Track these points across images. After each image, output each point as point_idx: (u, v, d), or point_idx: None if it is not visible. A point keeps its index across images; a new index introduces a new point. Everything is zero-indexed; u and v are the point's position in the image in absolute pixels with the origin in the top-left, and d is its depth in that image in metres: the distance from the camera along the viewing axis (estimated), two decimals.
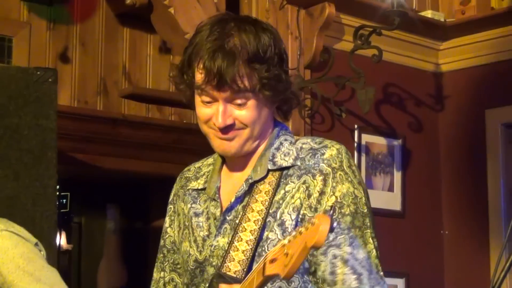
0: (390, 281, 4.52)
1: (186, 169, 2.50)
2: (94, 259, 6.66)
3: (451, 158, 4.90)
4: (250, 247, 2.21)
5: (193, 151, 2.53)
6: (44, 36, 5.03)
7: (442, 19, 4.81)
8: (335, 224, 1.92)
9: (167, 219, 2.49)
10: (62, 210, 6.03)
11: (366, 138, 4.58)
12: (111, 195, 6.28)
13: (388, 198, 4.65)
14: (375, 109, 4.60)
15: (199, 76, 2.18)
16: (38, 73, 3.80)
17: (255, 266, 2.16)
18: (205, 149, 2.45)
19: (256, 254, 2.20)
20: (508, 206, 4.59)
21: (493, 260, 4.52)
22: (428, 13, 4.79)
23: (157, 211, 5.27)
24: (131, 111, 5.24)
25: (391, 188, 4.67)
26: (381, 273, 2.24)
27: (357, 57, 4.35)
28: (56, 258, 3.53)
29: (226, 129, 2.19)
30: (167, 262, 2.49)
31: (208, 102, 2.20)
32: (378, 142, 4.63)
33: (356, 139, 4.53)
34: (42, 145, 3.71)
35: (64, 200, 6.16)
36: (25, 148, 3.64)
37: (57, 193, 4.17)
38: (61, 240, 6.25)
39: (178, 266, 2.43)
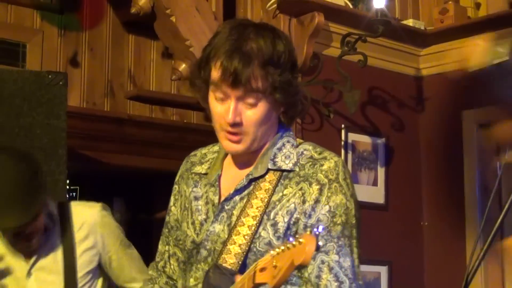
0: (374, 268, 4.55)
1: (192, 153, 2.52)
2: None
3: (430, 155, 4.91)
4: (246, 241, 2.22)
5: (193, 149, 2.52)
6: (55, 42, 5.04)
7: (423, 27, 4.82)
8: (320, 243, 1.95)
9: (172, 198, 2.52)
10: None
11: (352, 136, 4.58)
12: (117, 189, 6.28)
13: (372, 192, 4.65)
14: (361, 110, 4.60)
15: (215, 73, 2.20)
16: (50, 76, 3.81)
17: (248, 262, 2.20)
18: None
19: (249, 250, 2.21)
20: (482, 200, 4.59)
21: (468, 249, 4.53)
22: (410, 22, 4.79)
23: (159, 203, 5.28)
24: (135, 112, 5.25)
25: (375, 183, 4.67)
26: (361, 282, 2.26)
27: (344, 62, 4.35)
28: None
29: (234, 126, 2.20)
30: (171, 237, 2.50)
31: (222, 99, 2.22)
32: (363, 140, 4.63)
33: (343, 138, 4.53)
34: (53, 143, 3.73)
35: (74, 194, 6.14)
36: (38, 146, 3.66)
37: (67, 187, 4.19)
38: None
39: (180, 242, 2.44)
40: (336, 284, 2.18)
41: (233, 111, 2.19)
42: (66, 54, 5.05)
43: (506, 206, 2.32)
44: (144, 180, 5.93)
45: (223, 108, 2.21)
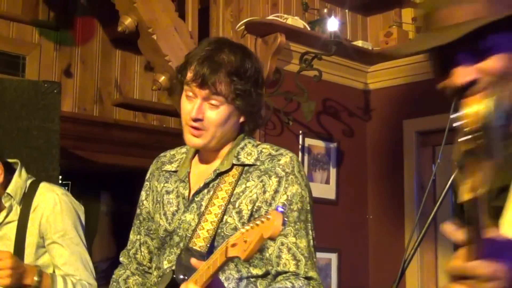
0: (325, 255, 4.56)
1: (162, 154, 2.55)
2: (90, 235, 6.61)
3: (375, 158, 4.93)
4: (213, 227, 2.24)
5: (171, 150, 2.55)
6: (51, 55, 5.02)
7: (370, 48, 4.83)
8: (285, 219, 1.96)
9: (143, 193, 2.53)
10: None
11: (308, 141, 4.58)
12: (104, 184, 6.25)
13: (325, 189, 4.65)
14: (316, 119, 4.61)
15: (189, 75, 2.26)
16: (46, 85, 3.80)
17: (216, 244, 2.22)
18: None
19: (217, 233, 2.23)
20: (419, 197, 4.62)
21: (406, 239, 4.56)
22: (359, 43, 4.80)
23: None
24: (121, 117, 5.24)
25: (327, 181, 4.68)
26: (315, 259, 2.29)
27: (302, 77, 4.36)
28: None
29: (196, 122, 2.24)
30: (142, 228, 2.50)
31: (190, 98, 2.26)
32: (317, 145, 4.64)
33: (300, 142, 4.53)
34: (48, 143, 3.71)
35: (66, 188, 6.11)
36: (34, 146, 3.64)
37: (59, 182, 4.16)
38: None
39: (151, 232, 2.45)
40: (293, 262, 2.22)
41: (197, 108, 2.24)
42: (60, 65, 5.03)
43: (438, 202, 2.34)
44: (128, 176, 5.89)
45: (190, 105, 2.26)
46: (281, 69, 4.40)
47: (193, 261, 2.01)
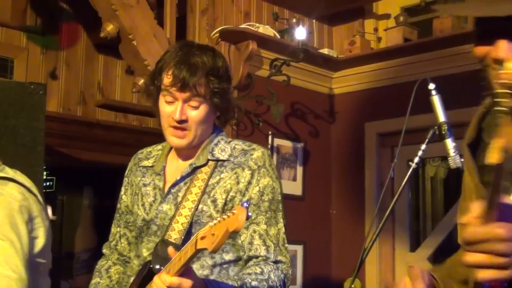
0: (292, 247, 4.56)
1: (139, 151, 2.55)
2: (73, 227, 6.58)
3: (339, 157, 4.95)
4: (188, 220, 2.25)
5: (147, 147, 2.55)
6: (38, 59, 4.98)
7: (335, 55, 4.85)
8: (250, 214, 1.97)
9: (122, 188, 2.54)
10: (48, 190, 5.96)
11: (277, 141, 4.59)
12: (87, 179, 6.22)
13: (292, 186, 4.67)
14: (284, 120, 4.62)
15: (167, 80, 2.24)
16: (32, 86, 3.76)
17: (193, 231, 2.23)
18: None
19: (193, 222, 2.25)
20: (378, 193, 4.65)
21: (366, 232, 4.58)
22: (325, 51, 4.83)
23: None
24: (103, 117, 5.21)
25: (294, 179, 4.69)
26: (286, 245, 2.31)
27: (272, 82, 4.37)
28: None
29: (180, 123, 2.23)
30: (122, 221, 2.50)
31: (171, 102, 2.25)
32: (286, 145, 4.65)
33: (270, 142, 4.54)
34: (33, 141, 3.67)
35: (51, 183, 6.08)
36: (20, 143, 3.60)
37: (44, 177, 4.14)
38: (48, 212, 6.17)
39: (130, 224, 2.45)
40: (264, 247, 2.24)
41: (180, 110, 2.23)
42: (47, 68, 4.98)
43: (395, 198, 2.36)
44: (109, 172, 5.85)
45: (171, 108, 2.25)
46: (252, 74, 4.41)
47: (170, 249, 2.01)
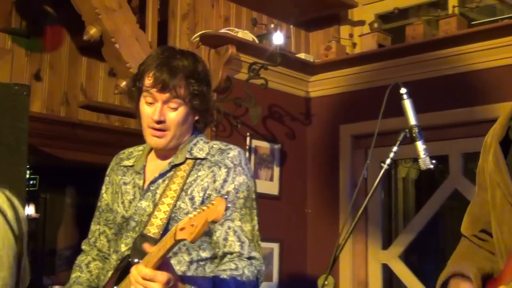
0: (269, 244, 4.57)
1: (121, 152, 2.56)
2: (55, 225, 6.56)
3: (315, 158, 4.96)
4: (166, 216, 2.25)
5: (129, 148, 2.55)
6: (23, 61, 4.95)
7: (312, 60, 4.86)
8: (229, 205, 1.97)
9: (103, 187, 2.54)
10: (32, 189, 5.93)
11: (255, 142, 4.59)
12: (70, 178, 6.19)
13: (269, 186, 4.67)
14: (262, 122, 4.62)
15: (148, 82, 2.25)
16: (16, 88, 3.75)
17: (170, 228, 2.20)
18: None
19: (171, 218, 2.25)
20: (352, 193, 4.66)
21: (340, 230, 4.59)
22: (302, 55, 4.83)
23: None
24: (86, 118, 5.19)
25: (271, 179, 4.69)
26: (259, 242, 2.31)
27: (250, 85, 4.36)
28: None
29: (159, 124, 2.24)
30: (102, 218, 2.50)
31: (151, 103, 2.26)
32: (263, 146, 4.65)
33: (247, 143, 4.53)
34: (17, 141, 3.66)
35: (34, 182, 6.04)
36: (4, 143, 3.58)
37: (28, 176, 4.13)
38: (32, 210, 6.15)
39: (109, 222, 2.45)
40: (238, 243, 2.25)
41: (159, 111, 2.23)
42: (31, 70, 4.96)
43: (367, 198, 2.37)
44: (91, 171, 5.83)
45: (151, 110, 2.25)
46: (231, 77, 4.40)
47: (146, 245, 2.01)
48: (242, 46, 4.40)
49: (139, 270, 1.94)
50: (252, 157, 4.55)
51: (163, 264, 1.95)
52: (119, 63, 4.07)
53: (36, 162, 4.76)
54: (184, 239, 1.84)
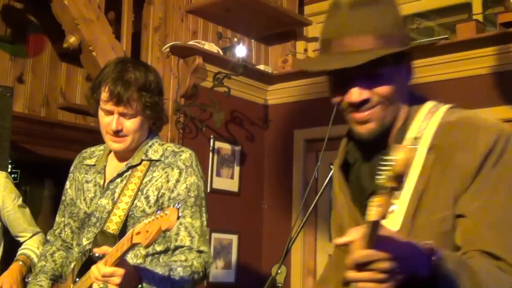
0: (228, 236, 4.57)
1: (83, 151, 2.53)
2: (34, 215, 6.42)
3: (271, 159, 4.96)
4: (124, 213, 2.24)
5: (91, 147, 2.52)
6: (7, 65, 4.88)
7: (270, 71, 4.87)
8: (181, 203, 1.97)
9: (68, 182, 2.50)
10: (13, 182, 5.83)
11: (218, 144, 4.58)
12: (48, 173, 6.09)
13: (230, 183, 4.66)
14: (225, 126, 4.61)
15: (104, 95, 2.21)
16: (0, 89, 3.68)
17: (127, 224, 2.23)
18: None
19: (128, 216, 2.24)
20: (304, 191, 4.68)
21: (292, 224, 4.60)
22: (261, 67, 4.84)
23: None
24: (64, 118, 5.14)
25: (232, 177, 4.69)
26: (207, 237, 2.32)
27: (214, 92, 4.35)
28: None
29: (116, 133, 2.21)
30: (66, 211, 2.46)
31: (108, 114, 2.23)
32: (225, 147, 4.64)
33: (211, 145, 4.52)
34: (0, 138, 3.59)
35: (16, 175, 5.92)
36: None
37: (10, 170, 4.06)
38: None
39: (74, 215, 2.41)
40: (189, 238, 2.24)
41: (115, 122, 2.21)
42: (14, 74, 4.89)
43: (317, 196, 2.38)
44: (68, 167, 5.77)
45: (108, 119, 2.23)
46: (197, 85, 4.39)
47: (96, 249, 2.04)
48: (208, 57, 4.39)
49: (99, 269, 1.95)
50: (215, 157, 4.54)
51: (120, 262, 1.95)
52: (96, 70, 4.02)
53: (17, 158, 4.68)
54: (139, 243, 1.87)
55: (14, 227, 3.17)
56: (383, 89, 1.47)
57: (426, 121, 1.52)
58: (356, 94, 1.48)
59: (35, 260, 2.99)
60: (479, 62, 4.02)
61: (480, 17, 4.23)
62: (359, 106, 1.49)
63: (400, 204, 1.46)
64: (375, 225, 1.18)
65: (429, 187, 1.45)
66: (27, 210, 3.23)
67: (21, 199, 3.22)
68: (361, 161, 1.63)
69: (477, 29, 4.03)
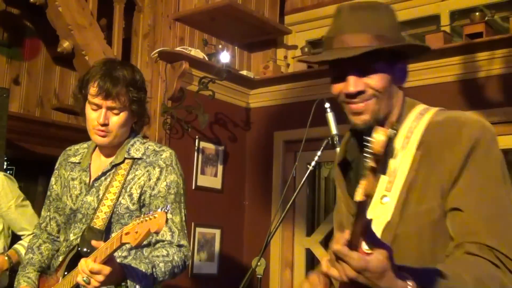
0: (212, 230, 4.57)
1: (68, 148, 2.50)
2: None
3: (252, 159, 4.97)
4: (109, 210, 2.23)
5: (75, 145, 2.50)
6: (3, 67, 4.83)
7: (252, 76, 4.87)
8: (162, 200, 1.97)
9: (53, 178, 2.47)
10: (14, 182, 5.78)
11: (203, 144, 4.57)
12: (42, 169, 6.04)
13: (214, 181, 4.65)
14: (209, 127, 4.60)
15: (94, 90, 2.20)
16: None
17: (112, 221, 2.22)
18: None
19: (113, 212, 2.23)
20: (283, 189, 4.67)
21: (272, 219, 4.60)
22: (244, 72, 4.84)
23: None
24: (57, 118, 5.10)
25: (216, 175, 4.68)
26: (186, 231, 2.31)
27: (200, 95, 4.34)
28: None
29: (103, 126, 2.21)
30: (52, 206, 2.44)
31: (96, 109, 2.21)
32: (209, 147, 4.63)
33: (196, 145, 4.51)
34: None
35: (11, 172, 5.87)
36: None
37: (5, 167, 4.02)
38: None
39: (59, 210, 2.40)
40: (169, 233, 2.24)
41: (103, 116, 2.20)
42: (11, 75, 4.84)
43: (295, 194, 2.39)
44: None
45: (96, 114, 2.21)
46: (184, 89, 4.37)
47: (94, 242, 2.01)
48: (194, 62, 4.38)
49: (87, 264, 1.94)
50: (200, 156, 4.54)
51: (108, 260, 1.95)
52: None
53: (13, 155, 4.64)
54: (128, 243, 1.86)
55: (13, 226, 3.13)
56: (378, 83, 1.52)
57: (417, 121, 1.55)
58: (352, 84, 1.52)
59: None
60: (446, 70, 4.06)
61: (447, 29, 4.26)
62: (354, 96, 1.53)
63: (392, 196, 1.49)
64: (361, 204, 1.18)
65: (418, 180, 1.48)
66: (28, 210, 3.15)
67: (21, 198, 3.13)
68: (358, 159, 1.64)
69: (445, 39, 4.06)
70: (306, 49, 4.73)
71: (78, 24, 3.96)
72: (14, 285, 2.40)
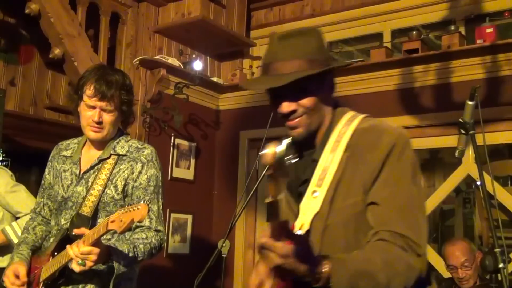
0: (185, 216, 4.55)
1: (60, 143, 2.49)
2: None
3: (221, 154, 4.97)
4: (96, 199, 2.22)
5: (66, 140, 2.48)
6: (1, 71, 4.75)
7: (222, 82, 4.88)
8: (142, 190, 1.97)
9: (46, 169, 2.46)
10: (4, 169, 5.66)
11: (178, 141, 4.56)
12: (35, 161, 5.93)
13: (187, 173, 4.64)
14: (183, 126, 4.59)
15: (90, 92, 2.19)
16: None
17: (99, 209, 2.21)
18: None
19: (100, 201, 2.22)
20: (246, 180, 4.69)
21: (236, 206, 4.62)
22: (215, 79, 4.85)
23: None
24: (49, 116, 5.01)
25: (188, 167, 4.67)
26: (162, 218, 2.31)
27: (175, 98, 4.33)
28: None
29: (98, 124, 2.19)
30: (45, 193, 2.43)
31: (91, 109, 2.21)
32: (183, 143, 4.62)
33: (172, 141, 4.50)
34: None
35: (7, 163, 5.76)
36: None
37: (2, 158, 3.94)
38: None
39: (51, 197, 2.38)
40: (148, 220, 2.24)
41: (98, 115, 2.19)
42: (7, 78, 4.74)
43: (257, 184, 2.40)
44: None
45: (91, 113, 2.21)
46: (161, 92, 4.35)
47: (77, 230, 2.02)
48: (171, 69, 4.36)
49: (78, 247, 1.95)
50: (175, 151, 4.52)
51: (96, 242, 1.96)
52: (77, 77, 3.89)
53: (9, 148, 4.54)
54: (113, 230, 1.87)
55: (9, 210, 3.07)
56: (307, 102, 1.53)
57: (346, 127, 1.57)
58: (285, 106, 1.54)
59: (10, 235, 2.92)
60: (388, 81, 4.12)
61: (389, 45, 4.33)
62: (288, 115, 1.54)
63: (321, 191, 1.50)
64: (270, 205, 1.24)
65: (344, 178, 1.50)
66: (20, 194, 3.08)
67: (11, 185, 3.07)
68: (295, 158, 1.67)
69: (387, 54, 4.12)
70: None
71: (68, 34, 3.90)
72: (8, 261, 2.37)
